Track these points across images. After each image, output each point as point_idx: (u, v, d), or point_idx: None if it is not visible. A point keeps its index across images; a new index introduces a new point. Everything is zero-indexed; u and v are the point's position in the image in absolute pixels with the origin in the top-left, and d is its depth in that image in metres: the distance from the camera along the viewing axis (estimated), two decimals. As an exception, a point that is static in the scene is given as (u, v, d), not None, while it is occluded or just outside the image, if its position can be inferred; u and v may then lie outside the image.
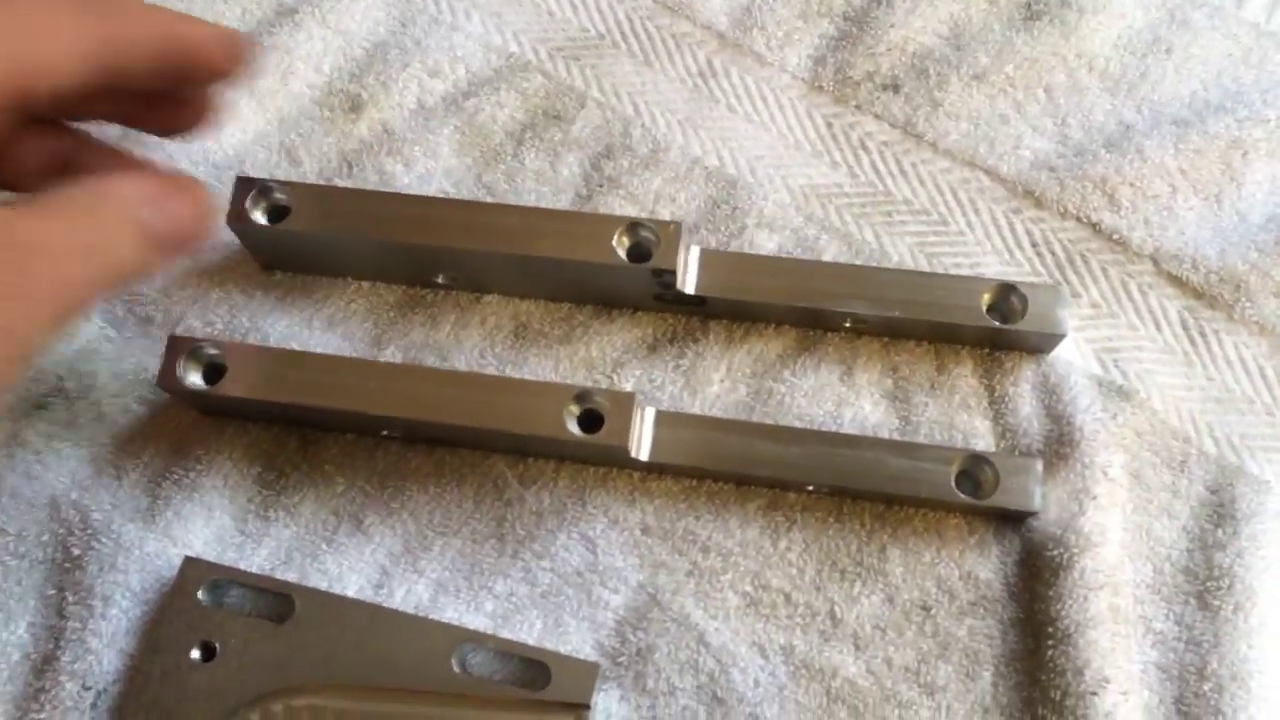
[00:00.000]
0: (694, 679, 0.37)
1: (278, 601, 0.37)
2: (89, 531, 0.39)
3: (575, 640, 0.38)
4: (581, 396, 0.37)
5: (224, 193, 0.41)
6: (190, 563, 0.38)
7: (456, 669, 0.36)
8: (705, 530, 0.39)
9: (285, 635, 0.37)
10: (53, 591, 0.39)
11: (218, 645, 0.36)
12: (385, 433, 0.40)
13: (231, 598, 0.38)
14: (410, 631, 0.37)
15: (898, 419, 0.41)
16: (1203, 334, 0.41)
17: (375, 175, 0.44)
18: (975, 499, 0.38)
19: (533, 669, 0.37)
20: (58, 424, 0.41)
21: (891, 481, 0.38)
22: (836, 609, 0.38)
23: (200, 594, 0.37)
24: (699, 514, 0.39)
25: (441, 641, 0.36)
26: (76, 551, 0.39)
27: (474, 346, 0.42)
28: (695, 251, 0.41)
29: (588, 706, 0.36)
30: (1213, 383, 0.41)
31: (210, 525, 0.39)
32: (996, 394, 0.41)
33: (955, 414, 0.41)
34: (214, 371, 0.39)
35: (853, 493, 0.39)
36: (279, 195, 0.40)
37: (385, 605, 0.38)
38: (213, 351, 0.38)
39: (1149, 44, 0.45)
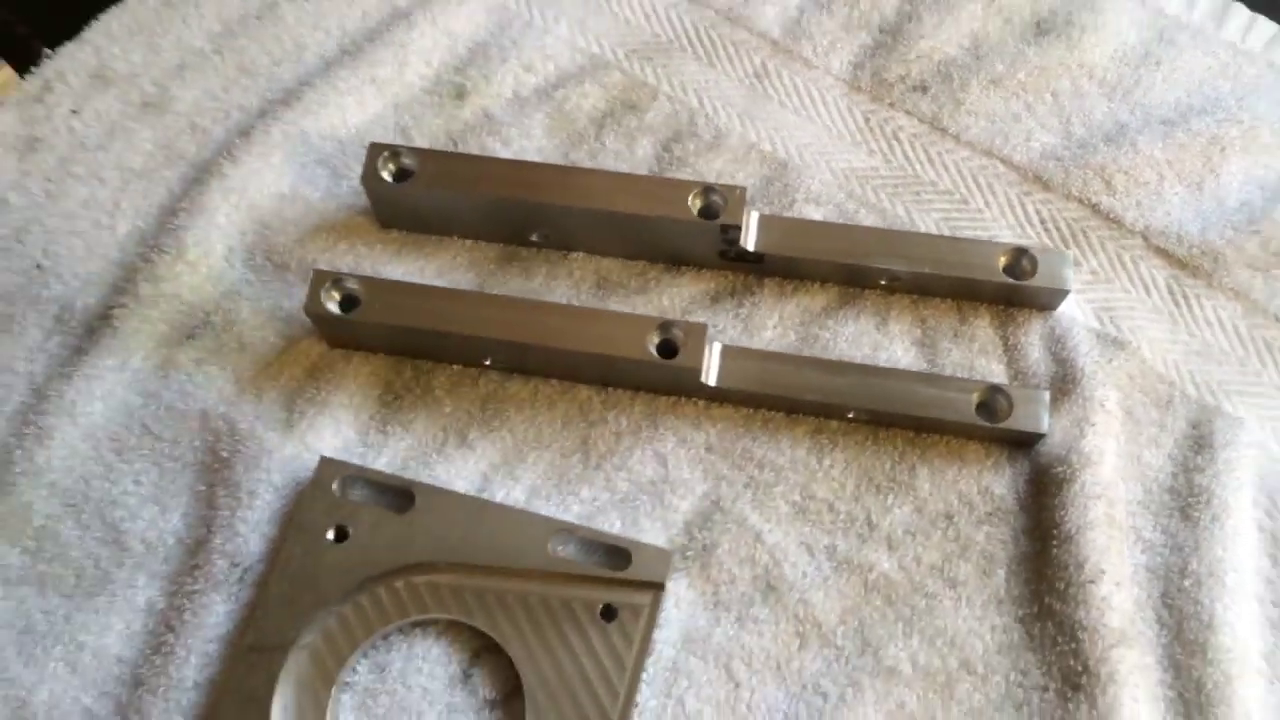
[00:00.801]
0: (751, 570, 0.44)
1: (399, 496, 0.44)
2: (235, 438, 0.46)
3: (649, 538, 0.44)
4: (662, 326, 0.44)
5: (346, 162, 0.49)
6: (326, 461, 0.44)
7: (551, 552, 0.43)
8: (761, 450, 0.46)
9: (406, 523, 0.43)
10: (203, 488, 0.45)
11: (350, 529, 0.43)
12: (488, 363, 0.47)
13: (359, 493, 0.44)
14: (512, 521, 0.43)
15: (925, 362, 0.48)
16: (1185, 298, 0.49)
17: (478, 151, 0.52)
18: (992, 424, 0.45)
19: (615, 555, 0.43)
20: (206, 351, 0.48)
21: (920, 407, 0.45)
22: (873, 516, 0.45)
23: (334, 486, 0.44)
24: (755, 436, 0.46)
25: (539, 529, 0.43)
26: (225, 454, 0.45)
27: (561, 296, 0.49)
28: (755, 215, 0.48)
29: (663, 586, 0.42)
30: (1194, 338, 0.48)
31: (338, 436, 0.46)
32: (1010, 342, 0.48)
33: (975, 359, 0.47)
34: (349, 303, 0.46)
35: (886, 419, 0.46)
36: (405, 159, 0.47)
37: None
38: (351, 285, 0.45)
39: (1141, 57, 0.53)
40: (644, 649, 0.42)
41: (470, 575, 0.43)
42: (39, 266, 0.50)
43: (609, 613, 0.42)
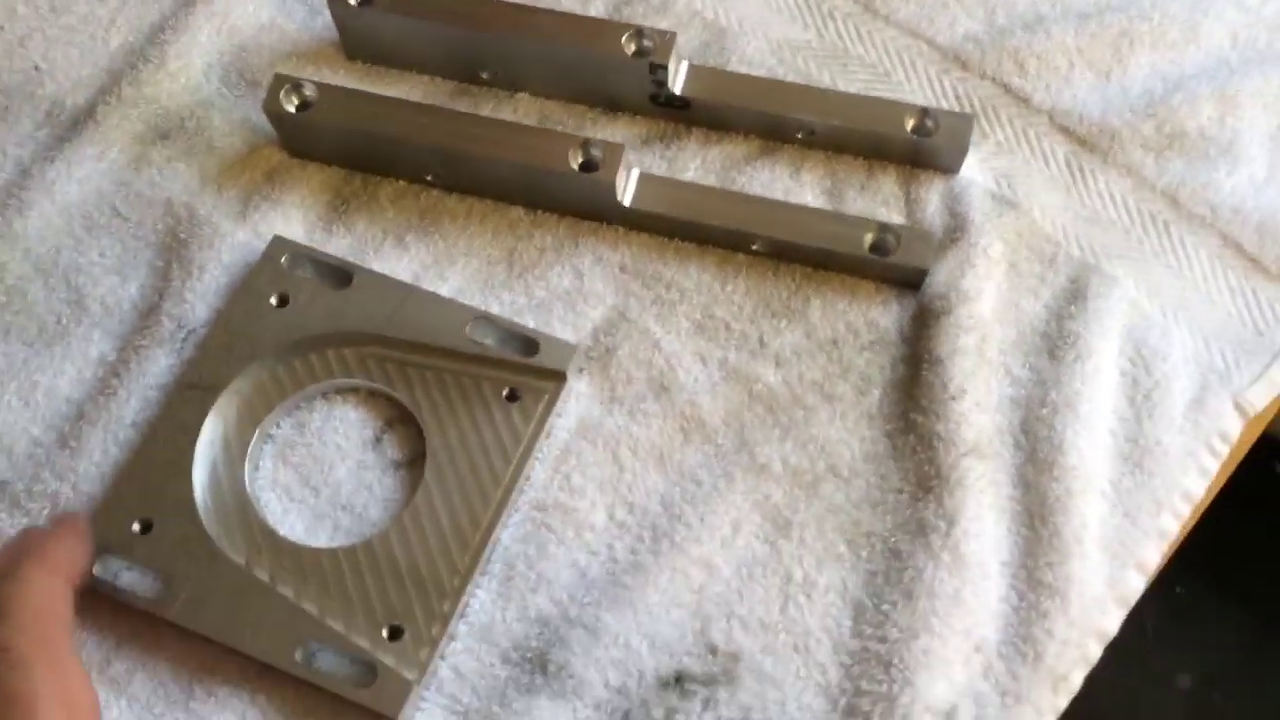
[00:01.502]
0: (647, 372, 0.48)
1: (340, 276, 0.48)
2: (194, 222, 0.50)
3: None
4: (585, 144, 0.48)
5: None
6: (278, 239, 0.49)
7: (469, 336, 0.47)
8: (670, 273, 0.50)
9: (342, 298, 0.47)
10: (160, 264, 0.50)
11: (291, 298, 0.47)
12: (430, 179, 0.51)
13: (304, 271, 0.48)
14: (436, 305, 0.48)
15: (831, 209, 0.51)
16: (1081, 171, 0.52)
17: (444, -1, 0.56)
18: (883, 258, 0.48)
19: (525, 345, 0.47)
20: (176, 151, 0.53)
21: (816, 238, 0.48)
22: (765, 337, 0.49)
23: (283, 260, 0.48)
24: (666, 261, 0.50)
25: (458, 314, 0.47)
26: (183, 235, 0.50)
27: (505, 129, 0.53)
28: (685, 63, 0.52)
29: (564, 376, 0.46)
30: (1085, 207, 0.51)
31: (286, 229, 0.50)
32: (911, 197, 0.51)
33: (876, 209, 0.51)
34: (305, 108, 0.50)
35: (787, 252, 0.49)
36: (379, -14, 0.52)
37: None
38: (307, 91, 0.50)
39: (1068, -41, 0.57)
40: (539, 430, 0.46)
41: (393, 349, 0.47)
42: (37, 68, 0.55)
43: (513, 395, 0.46)
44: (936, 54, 0.55)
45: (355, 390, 0.47)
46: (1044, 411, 0.46)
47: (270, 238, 0.49)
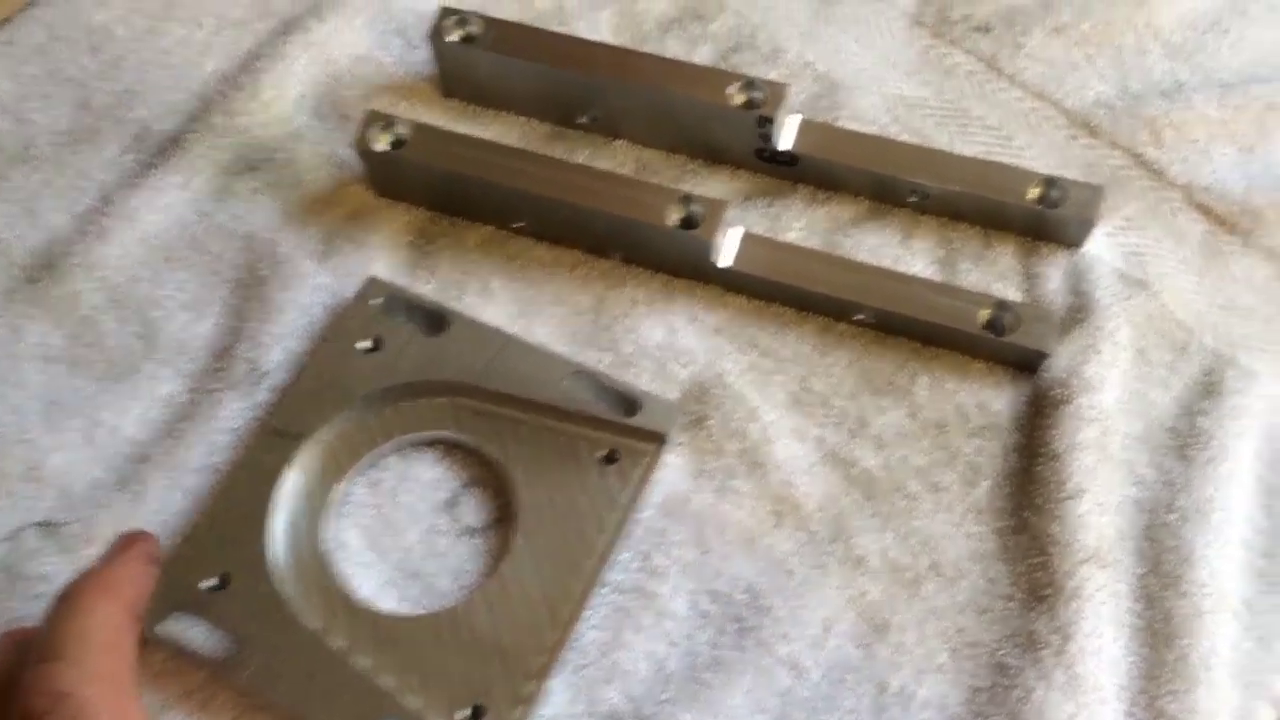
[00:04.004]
0: (739, 444, 0.45)
1: (435, 320, 0.46)
2: (274, 260, 0.48)
3: (645, 404, 0.46)
4: (685, 199, 0.46)
5: (422, 34, 0.51)
6: (372, 280, 0.47)
7: (566, 390, 0.44)
8: (767, 339, 0.47)
9: (436, 344, 0.45)
10: (236, 301, 0.48)
11: (384, 342, 0.45)
12: (519, 226, 0.49)
13: (398, 315, 0.46)
14: (534, 356, 0.45)
15: (943, 281, 0.48)
16: (1219, 253, 0.48)
17: (544, 38, 0.54)
18: (998, 337, 0.45)
19: (624, 402, 0.44)
20: (262, 183, 0.51)
21: (926, 312, 0.45)
22: (866, 416, 0.45)
23: (376, 303, 0.46)
24: (764, 326, 0.47)
25: (556, 367, 0.45)
26: (263, 273, 0.48)
27: (601, 177, 0.51)
28: (796, 117, 0.49)
29: (665, 439, 0.44)
30: (1220, 292, 0.47)
31: (368, 271, 0.48)
32: (1031, 271, 0.48)
33: (992, 283, 0.48)
34: (397, 146, 0.48)
35: (894, 324, 0.46)
36: (472, 25, 0.50)
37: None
38: (400, 129, 0.48)
39: (1210, 24, 0.53)
40: (636, 498, 0.43)
41: (486, 401, 0.45)
42: (129, 91, 0.53)
43: (611, 457, 0.44)
44: (1064, 119, 0.51)
45: (434, 444, 0.45)
46: (1171, 518, 0.42)
47: (353, 279, 0.47)
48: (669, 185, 0.49)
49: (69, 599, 0.36)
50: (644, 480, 0.43)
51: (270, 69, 0.53)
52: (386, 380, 0.45)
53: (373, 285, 0.47)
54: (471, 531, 0.44)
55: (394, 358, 0.45)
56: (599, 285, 0.48)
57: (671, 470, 0.44)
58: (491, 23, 0.50)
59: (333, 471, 0.44)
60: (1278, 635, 0.41)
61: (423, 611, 0.42)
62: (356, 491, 0.44)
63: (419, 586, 0.43)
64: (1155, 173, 0.50)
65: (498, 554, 0.43)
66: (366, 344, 0.45)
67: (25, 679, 0.33)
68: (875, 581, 0.42)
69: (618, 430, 0.44)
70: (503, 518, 0.43)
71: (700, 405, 0.45)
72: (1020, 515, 0.43)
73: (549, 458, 0.44)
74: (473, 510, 0.44)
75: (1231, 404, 0.44)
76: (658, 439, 0.44)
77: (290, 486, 0.43)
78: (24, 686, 0.33)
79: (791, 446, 0.45)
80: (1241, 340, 0.46)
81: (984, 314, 0.45)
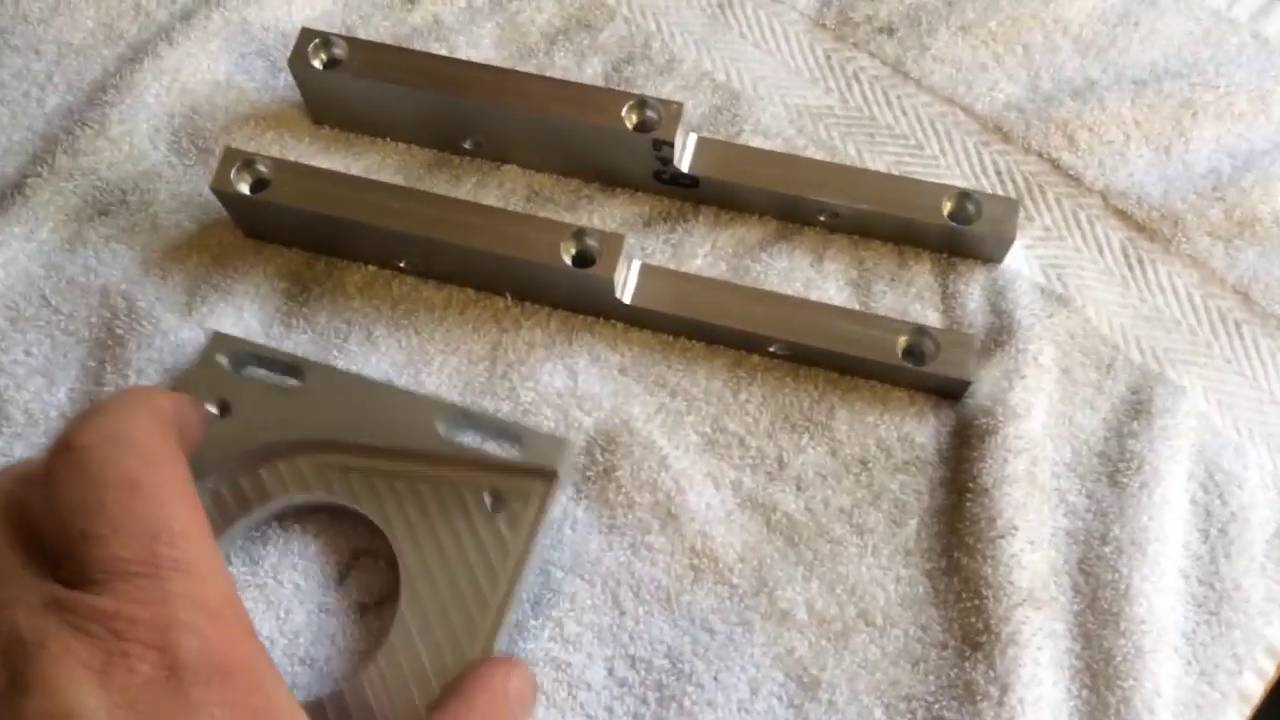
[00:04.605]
0: (652, 496, 0.41)
1: (289, 373, 0.42)
2: (133, 316, 0.44)
3: (548, 455, 0.42)
4: (579, 234, 0.42)
5: (285, 55, 0.47)
6: (216, 336, 0.42)
7: (441, 435, 0.40)
8: (675, 377, 0.44)
9: (293, 399, 0.41)
10: (94, 364, 0.44)
11: (233, 404, 0.41)
12: (403, 265, 0.45)
13: (248, 372, 0.42)
14: (401, 401, 0.41)
15: (858, 304, 0.45)
16: (1140, 262, 0.46)
17: (422, 55, 0.50)
18: (916, 367, 0.42)
19: (507, 440, 0.41)
20: (116, 229, 0.46)
21: (842, 344, 0.42)
22: (785, 455, 0.43)
23: (222, 361, 0.42)
24: (671, 364, 0.44)
25: (427, 410, 0.41)
26: (120, 332, 0.44)
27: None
28: (694, 137, 0.46)
29: (556, 474, 0.40)
30: (1145, 303, 0.45)
31: (239, 325, 0.44)
32: (948, 290, 0.45)
33: (909, 305, 0.45)
34: (260, 186, 0.44)
35: (808, 356, 0.43)
36: (337, 49, 0.46)
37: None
38: (262, 168, 0.44)
39: (1120, 16, 0.51)
40: (531, 540, 0.39)
41: (356, 456, 0.40)
42: (-40, 132, 0.48)
43: (497, 501, 0.40)
44: (975, 123, 0.49)
45: (316, 512, 0.41)
46: (1106, 550, 0.40)
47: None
48: (560, 220, 0.45)
49: (94, 407, 0.30)
50: (538, 522, 0.40)
51: (119, 102, 0.48)
52: (241, 445, 0.40)
53: (216, 341, 0.42)
54: (364, 608, 0.40)
55: (247, 420, 0.41)
56: (492, 328, 0.45)
57: (581, 528, 0.41)
58: (357, 45, 0.46)
59: None
60: (1220, 667, 0.39)
61: (308, 699, 0.38)
62: (234, 569, 0.40)
63: (310, 674, 0.39)
64: (1071, 178, 0.48)
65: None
66: (212, 409, 0.41)
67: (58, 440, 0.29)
68: (802, 636, 0.40)
69: (502, 470, 0.40)
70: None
71: (608, 455, 0.42)
72: (950, 556, 0.40)
73: (430, 510, 0.40)
74: (364, 585, 0.40)
75: (1161, 424, 0.42)
76: (547, 475, 0.40)
77: None
78: (59, 437, 0.29)
79: (706, 494, 0.42)
80: (1167, 354, 0.44)
81: (902, 341, 0.43)
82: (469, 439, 0.41)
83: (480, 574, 0.39)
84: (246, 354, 0.42)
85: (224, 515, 0.40)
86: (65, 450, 0.28)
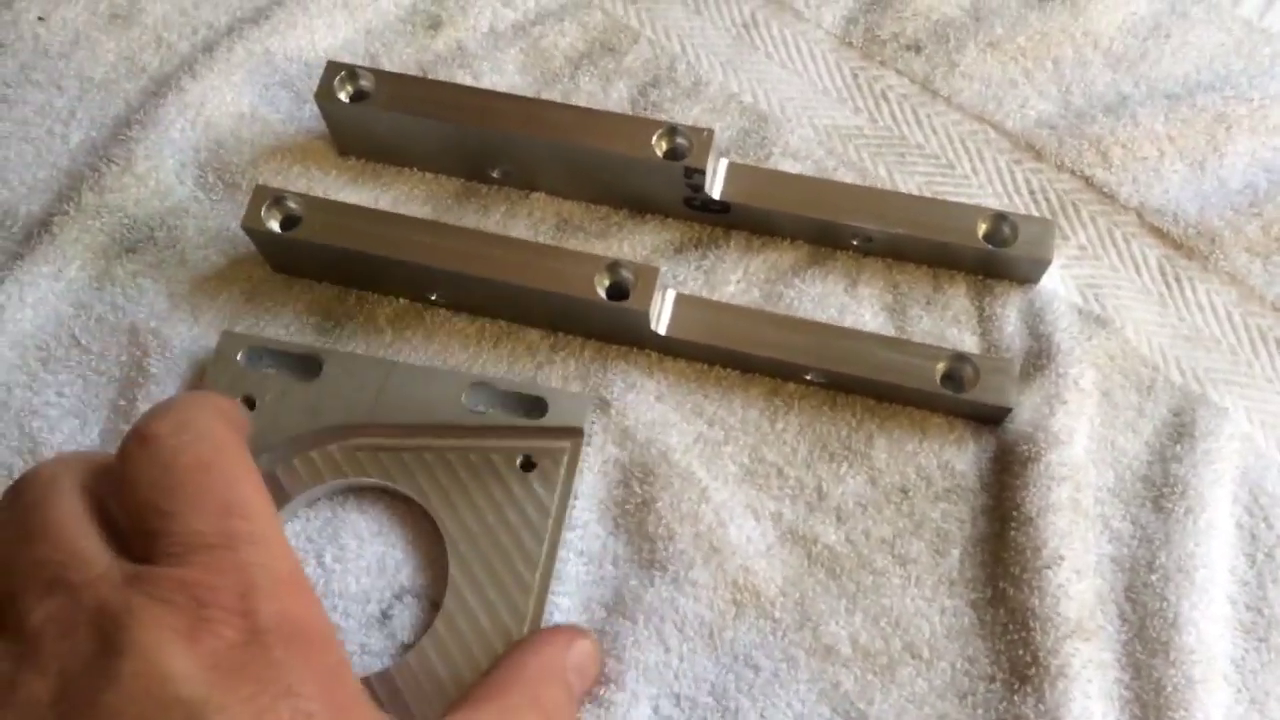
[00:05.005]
0: (693, 528, 0.41)
1: (308, 364, 0.42)
2: (165, 354, 0.44)
3: (588, 487, 0.42)
4: (612, 267, 0.42)
5: (310, 86, 0.47)
6: (227, 334, 0.43)
7: (467, 406, 0.41)
8: (712, 407, 0.43)
9: (315, 389, 0.42)
10: (124, 403, 0.43)
11: (257, 399, 0.41)
12: (435, 298, 0.45)
13: (266, 366, 0.42)
14: (424, 378, 0.42)
15: (894, 329, 0.45)
16: (1178, 280, 0.46)
17: (446, 83, 0.50)
18: (956, 394, 0.42)
19: (532, 405, 0.42)
20: (144, 265, 0.46)
21: (880, 371, 0.42)
22: (824, 485, 0.42)
23: (238, 358, 0.42)
24: (707, 393, 0.44)
25: (452, 383, 0.42)
26: (153, 370, 0.43)
27: (519, 236, 0.47)
28: (724, 163, 0.45)
29: (581, 431, 0.41)
30: (1184, 322, 0.45)
31: (271, 362, 0.44)
32: (985, 314, 0.45)
33: (946, 328, 0.45)
34: (290, 223, 0.43)
35: (846, 384, 0.43)
36: (363, 81, 0.45)
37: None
38: (292, 205, 0.43)
39: (1150, 29, 0.50)
40: (566, 495, 0.41)
41: (386, 436, 0.41)
42: (-15, 170, 0.48)
43: (528, 463, 0.41)
44: (1006, 141, 0.48)
45: (344, 493, 0.42)
46: (1153, 578, 0.40)
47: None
48: (591, 248, 0.45)
49: (162, 404, 0.32)
50: (570, 478, 0.41)
51: (143, 137, 0.48)
52: (271, 438, 0.41)
53: (229, 340, 0.43)
54: (406, 649, 0.40)
55: (273, 414, 0.41)
56: (526, 361, 0.44)
57: (623, 564, 0.41)
58: (384, 77, 0.45)
59: None
60: (1271, 695, 0.39)
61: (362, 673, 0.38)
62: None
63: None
64: (1106, 196, 0.47)
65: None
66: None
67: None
68: (847, 670, 0.39)
69: (529, 434, 0.41)
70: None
71: (646, 487, 0.42)
72: (996, 586, 0.40)
73: (464, 479, 0.41)
74: (408, 623, 0.40)
75: (1204, 448, 0.42)
76: (573, 434, 0.41)
77: None
78: (131, 431, 0.31)
79: (747, 526, 0.41)
80: (1208, 374, 0.44)
81: (940, 368, 0.42)
82: (493, 408, 0.42)
83: (523, 532, 0.40)
84: (261, 349, 0.43)
85: (279, 499, 0.40)
86: (140, 439, 0.30)
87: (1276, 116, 0.48)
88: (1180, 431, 0.42)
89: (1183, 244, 0.46)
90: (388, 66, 0.50)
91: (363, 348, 0.44)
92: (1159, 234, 0.46)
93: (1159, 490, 0.41)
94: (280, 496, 0.40)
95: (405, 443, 0.41)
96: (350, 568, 0.41)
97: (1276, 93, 0.48)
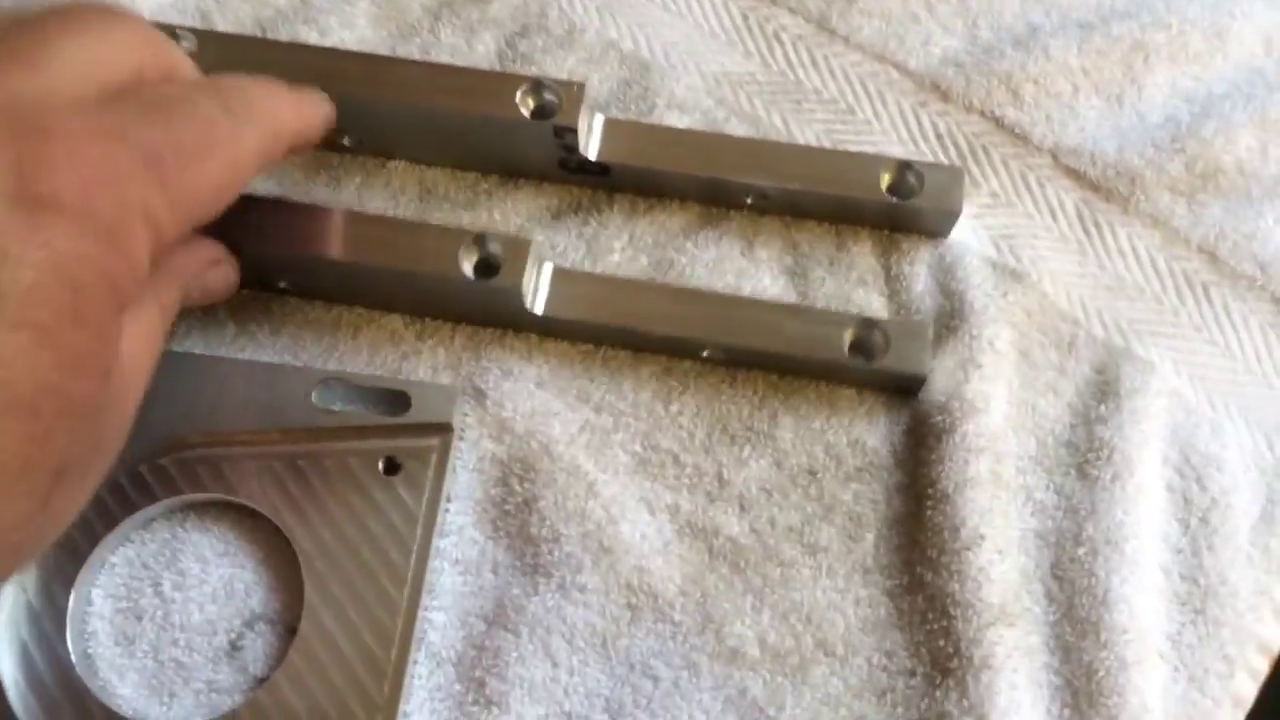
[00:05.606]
0: (580, 528, 0.37)
1: None
2: None
3: (464, 487, 0.38)
4: (479, 240, 0.37)
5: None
6: None
7: (318, 405, 0.37)
8: (599, 391, 0.39)
9: (147, 396, 0.36)
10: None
11: None
12: (283, 285, 0.40)
13: None
14: (268, 376, 0.38)
15: (796, 293, 0.41)
16: (1097, 225, 0.42)
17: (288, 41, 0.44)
18: (866, 364, 0.38)
19: (392, 401, 0.38)
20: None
21: (784, 343, 0.38)
22: (724, 471, 0.38)
23: None
24: (593, 376, 0.40)
25: (298, 381, 0.37)
26: None
27: (377, 210, 0.42)
28: (600, 119, 0.41)
29: (450, 427, 0.37)
30: (1104, 271, 0.42)
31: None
32: (893, 272, 0.41)
33: (852, 290, 0.41)
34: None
35: (746, 358, 0.39)
36: (184, 42, 0.40)
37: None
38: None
39: (1059, -47, 0.46)
40: (437, 498, 0.37)
41: (228, 445, 0.37)
42: None
43: (391, 465, 0.37)
44: (910, 82, 0.44)
45: (180, 511, 0.37)
46: (1080, 552, 0.37)
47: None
48: (458, 222, 0.40)
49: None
50: (439, 481, 0.37)
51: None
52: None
53: None
54: (258, 683, 0.35)
55: None
56: (390, 352, 0.40)
57: (503, 571, 0.37)
58: (209, 38, 0.40)
59: (58, 580, 0.35)
60: (1211, 671, 0.36)
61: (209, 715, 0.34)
62: (99, 588, 0.36)
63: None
64: (1018, 137, 0.43)
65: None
66: None
67: None
68: (755, 674, 0.36)
69: (392, 433, 0.37)
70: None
71: (528, 484, 0.38)
72: (913, 571, 0.37)
73: (318, 488, 0.37)
74: (260, 655, 0.36)
75: (1131, 406, 0.38)
76: (442, 430, 0.37)
77: (6, 610, 0.35)
78: None
79: (641, 522, 0.37)
80: (1132, 326, 0.41)
81: (848, 336, 0.38)
82: (349, 406, 0.38)
83: (388, 543, 0.36)
84: None
85: (87, 536, 0.36)
86: None
87: (1197, 43, 0.44)
88: (1104, 390, 0.39)
89: (1101, 186, 0.43)
90: (220, 23, 0.45)
91: (200, 346, 0.39)
92: (1076, 176, 0.43)
93: (1084, 456, 0.38)
94: (108, 519, 0.36)
95: (250, 451, 0.37)
96: (193, 595, 0.36)
97: (1195, 17, 0.45)
